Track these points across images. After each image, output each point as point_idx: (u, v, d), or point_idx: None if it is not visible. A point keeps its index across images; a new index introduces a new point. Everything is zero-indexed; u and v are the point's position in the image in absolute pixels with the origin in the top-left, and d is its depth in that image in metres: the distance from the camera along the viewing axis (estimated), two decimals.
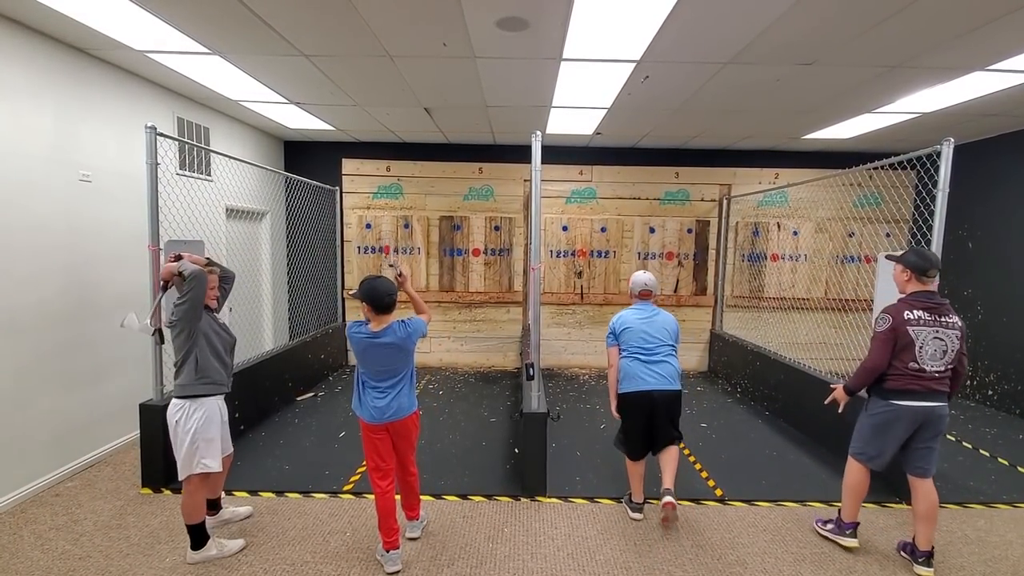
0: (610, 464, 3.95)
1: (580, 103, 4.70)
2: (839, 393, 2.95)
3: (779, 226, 6.71)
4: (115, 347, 3.99)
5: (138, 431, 3.48)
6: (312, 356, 5.91)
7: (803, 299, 6.66)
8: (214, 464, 2.66)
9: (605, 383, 6.23)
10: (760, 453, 4.25)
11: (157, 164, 3.35)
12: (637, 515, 3.24)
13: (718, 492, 3.56)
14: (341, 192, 6.71)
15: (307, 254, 6.56)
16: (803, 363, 5.01)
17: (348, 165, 6.73)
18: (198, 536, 2.71)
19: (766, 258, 6.73)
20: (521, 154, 6.66)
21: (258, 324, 6.14)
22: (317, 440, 4.35)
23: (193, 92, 4.61)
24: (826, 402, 3.01)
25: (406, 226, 6.71)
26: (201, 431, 2.62)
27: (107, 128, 3.89)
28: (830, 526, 3.01)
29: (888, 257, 3.11)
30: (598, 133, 5.88)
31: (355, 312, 6.86)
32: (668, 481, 3.07)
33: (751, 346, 5.84)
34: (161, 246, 3.42)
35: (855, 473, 2.88)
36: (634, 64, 3.65)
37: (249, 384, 4.48)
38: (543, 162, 6.72)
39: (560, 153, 6.56)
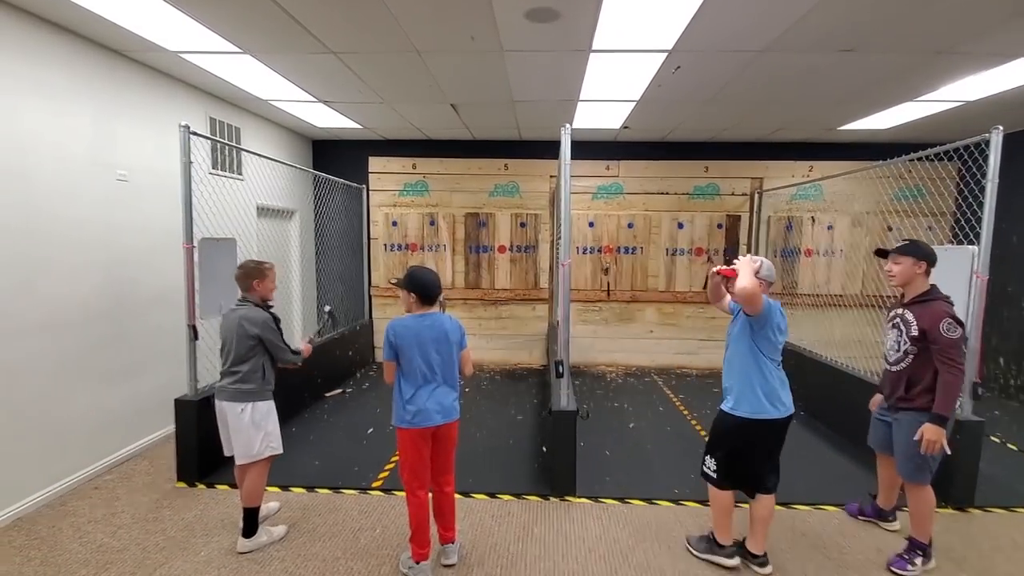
0: (640, 464, 3.88)
1: (608, 96, 4.61)
2: (934, 431, 2.46)
3: (813, 220, 6.50)
4: (150, 343, 4.08)
5: (173, 426, 3.54)
6: (340, 352, 5.97)
7: (838, 296, 6.45)
8: (279, 447, 2.86)
9: (633, 381, 6.15)
10: (796, 454, 4.12)
11: (191, 163, 3.40)
12: (732, 561, 2.67)
13: None
14: (368, 190, 6.75)
15: (335, 252, 6.63)
16: (841, 362, 4.84)
17: (375, 163, 6.76)
18: (253, 522, 2.79)
19: (800, 253, 6.53)
20: (547, 150, 6.60)
21: (288, 321, 6.22)
22: (346, 437, 4.38)
23: (225, 92, 4.68)
24: (924, 450, 2.49)
25: (432, 223, 6.72)
26: (267, 421, 2.81)
27: (143, 128, 3.98)
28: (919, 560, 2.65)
29: (893, 251, 2.75)
30: (625, 127, 5.79)
31: (384, 309, 6.92)
32: (760, 541, 2.69)
33: (786, 345, 5.65)
34: (195, 244, 3.48)
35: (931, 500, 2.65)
36: (665, 54, 3.56)
37: (279, 381, 4.49)
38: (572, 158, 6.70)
39: (586, 148, 6.48)
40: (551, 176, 6.66)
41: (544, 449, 4.06)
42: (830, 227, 6.49)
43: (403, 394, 2.53)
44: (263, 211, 5.68)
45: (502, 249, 6.73)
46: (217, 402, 2.81)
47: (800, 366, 5.23)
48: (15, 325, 3.06)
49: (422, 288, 2.51)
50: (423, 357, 2.48)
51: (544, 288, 6.77)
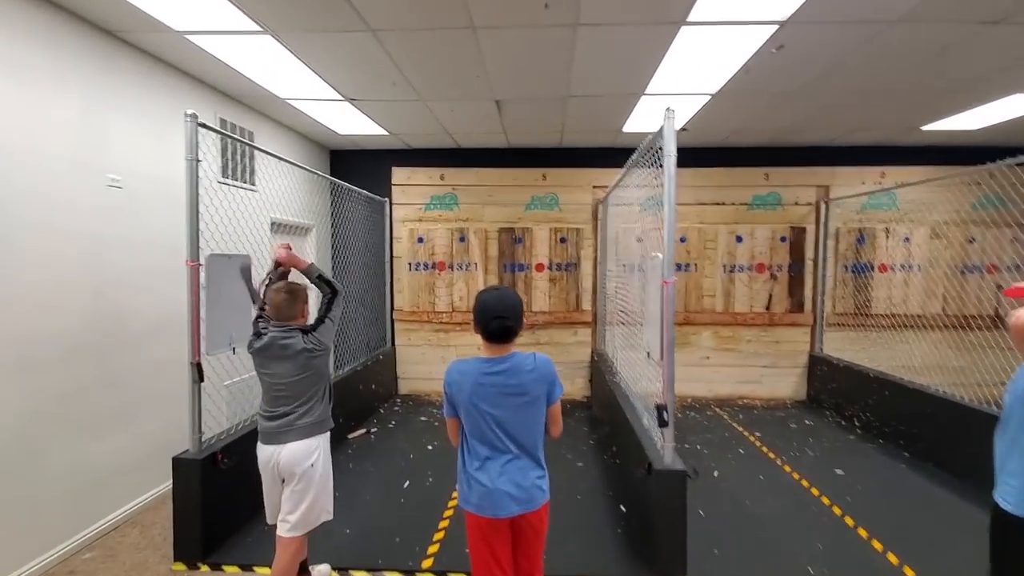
0: (750, 529, 3.14)
1: (680, 88, 3.99)
2: None
3: (887, 232, 5.84)
4: (145, 383, 3.38)
5: (170, 483, 2.83)
6: (363, 387, 5.25)
7: (917, 316, 5.74)
8: (331, 511, 2.42)
9: (694, 415, 5.41)
10: (931, 510, 3.38)
11: (198, 161, 2.75)
12: None
13: (909, 573, 2.71)
14: (391, 204, 6.12)
15: (355, 272, 5.96)
16: (953, 393, 4.12)
17: (398, 174, 6.14)
18: None
19: (873, 269, 5.85)
20: (589, 158, 5.98)
21: None
22: (379, 493, 3.64)
23: (237, 89, 4.07)
24: None
25: (462, 239, 6.06)
26: (330, 474, 2.42)
27: (141, 127, 3.35)
28: None
29: None
30: (684, 129, 5.16)
31: (409, 335, 6.22)
32: None
33: (874, 372, 4.95)
34: (201, 261, 2.81)
35: None
36: (776, 27, 2.94)
37: None
38: (613, 166, 6.08)
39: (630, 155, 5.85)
40: (594, 186, 6.03)
41: (623, 509, 3.33)
42: (906, 239, 5.82)
43: (466, 466, 1.88)
44: (277, 227, 5.04)
45: (540, 267, 6.06)
46: (268, 448, 2.29)
47: (898, 397, 4.50)
48: None
49: (483, 321, 1.81)
50: (490, 418, 1.80)
51: (587, 310, 6.08)
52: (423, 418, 5.38)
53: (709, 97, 4.17)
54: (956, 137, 5.37)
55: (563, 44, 3.19)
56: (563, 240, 6.03)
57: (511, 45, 3.22)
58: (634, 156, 3.54)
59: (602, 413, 4.92)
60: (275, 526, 2.34)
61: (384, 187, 6.09)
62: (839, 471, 4.00)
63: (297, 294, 2.37)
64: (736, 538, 3.04)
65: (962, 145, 5.64)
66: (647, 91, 4.03)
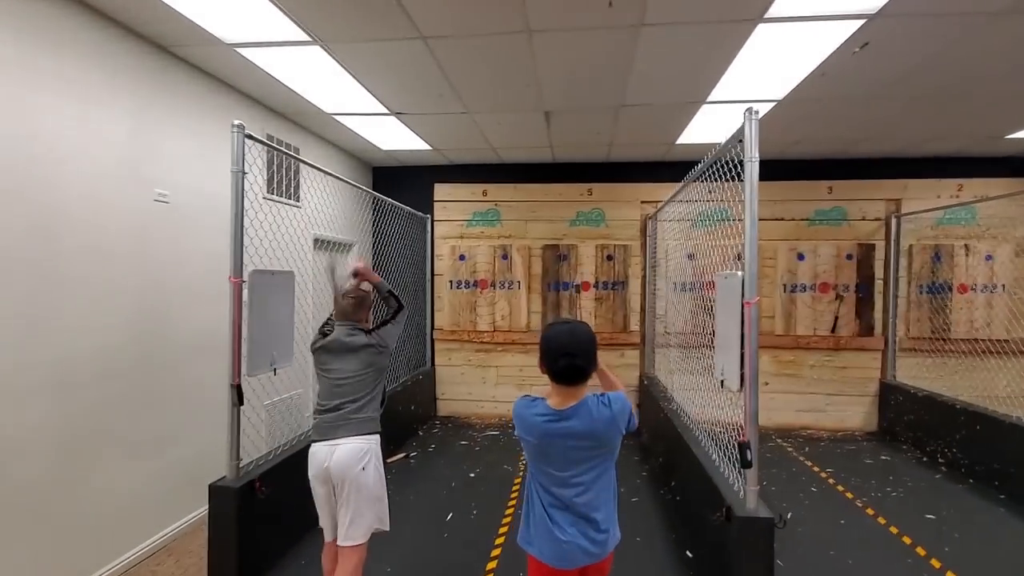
0: None
1: (745, 95, 3.73)
2: None
3: (967, 249, 5.35)
4: (186, 404, 3.28)
5: (206, 507, 2.67)
6: (402, 408, 5.07)
7: (1002, 341, 5.22)
8: (387, 522, 2.40)
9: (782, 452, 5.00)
10: None
11: (244, 173, 2.64)
12: None
13: None
14: (432, 220, 6.00)
15: (395, 290, 5.83)
16: None
17: (440, 191, 6.03)
18: None
19: (951, 289, 5.36)
20: (637, 173, 5.74)
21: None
22: (420, 526, 3.41)
23: (284, 104, 4.02)
24: None
25: (504, 257, 5.88)
26: (382, 481, 2.39)
27: (189, 142, 3.30)
28: None
29: None
30: (740, 140, 4.86)
31: (449, 355, 6.03)
32: None
33: (961, 404, 4.47)
34: (245, 278, 2.68)
35: None
36: (862, 21, 2.66)
37: None
38: (662, 181, 5.82)
39: (685, 169, 5.58)
40: (642, 202, 5.77)
41: (689, 555, 3.01)
42: (989, 257, 5.32)
43: (531, 509, 1.70)
44: (319, 243, 4.96)
45: (586, 286, 5.80)
46: (321, 447, 2.30)
47: (993, 433, 4.02)
48: (12, 385, 2.29)
49: (550, 359, 1.65)
50: (560, 473, 1.63)
51: (635, 331, 5.78)
52: (463, 442, 5.16)
53: (774, 104, 3.89)
54: None
55: (623, 48, 2.99)
56: (610, 258, 5.77)
57: (567, 50, 3.03)
58: (700, 166, 3.28)
59: (655, 442, 4.58)
60: (328, 545, 2.36)
61: (425, 204, 5.98)
62: (929, 516, 3.56)
63: (363, 300, 2.53)
64: None
65: None
66: (709, 99, 3.78)
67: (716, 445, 3.16)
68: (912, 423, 5.01)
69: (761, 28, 2.74)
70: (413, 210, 5.65)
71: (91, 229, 2.64)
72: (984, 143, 4.93)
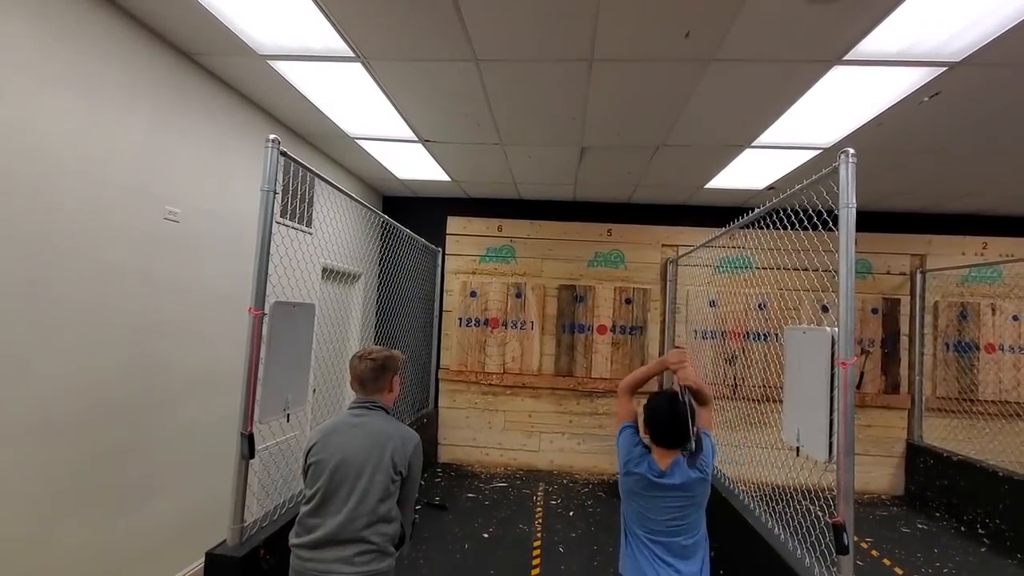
0: None
1: (792, 140, 3.60)
2: None
3: (993, 308, 5.25)
4: (177, 447, 2.88)
5: (196, 566, 2.27)
6: None
7: None
8: None
9: (783, 508, 4.69)
10: None
11: (276, 194, 2.36)
12: None
13: None
14: (443, 254, 5.74)
15: (401, 325, 5.50)
16: None
17: (454, 224, 5.80)
18: None
19: (979, 348, 5.23)
20: (657, 214, 5.60)
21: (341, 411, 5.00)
22: None
23: (306, 124, 3.78)
24: None
25: (518, 295, 5.61)
26: None
27: (205, 158, 3.02)
28: None
29: None
30: (771, 188, 4.77)
31: (454, 396, 5.67)
32: None
33: (1002, 471, 4.24)
34: (265, 310, 2.36)
35: None
36: (943, 69, 2.54)
37: None
38: (685, 224, 5.68)
39: (708, 214, 5.46)
40: (663, 245, 5.60)
41: None
42: (1015, 318, 5.22)
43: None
44: (327, 273, 4.65)
45: (602, 329, 5.55)
46: None
47: None
48: None
49: (654, 425, 1.92)
50: (655, 524, 1.86)
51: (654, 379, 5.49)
52: (470, 494, 4.75)
53: (819, 152, 3.77)
54: None
55: (684, 83, 2.83)
56: (628, 301, 5.54)
57: (624, 83, 2.87)
58: (761, 210, 3.10)
59: None
60: None
61: (436, 237, 5.73)
62: None
63: (389, 360, 1.97)
64: None
65: None
66: (755, 143, 3.64)
67: (772, 513, 2.87)
68: (945, 489, 4.76)
69: (836, 70, 2.61)
70: (427, 242, 5.38)
71: (91, 247, 2.31)
72: (1013, 201, 4.89)
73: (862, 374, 5.32)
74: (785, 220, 3.00)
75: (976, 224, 5.33)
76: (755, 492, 3.44)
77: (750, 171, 4.34)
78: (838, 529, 2.02)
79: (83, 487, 2.33)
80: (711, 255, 5.63)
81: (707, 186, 4.80)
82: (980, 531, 4.31)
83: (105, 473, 2.44)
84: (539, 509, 4.47)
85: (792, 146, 3.72)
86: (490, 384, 5.62)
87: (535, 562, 3.50)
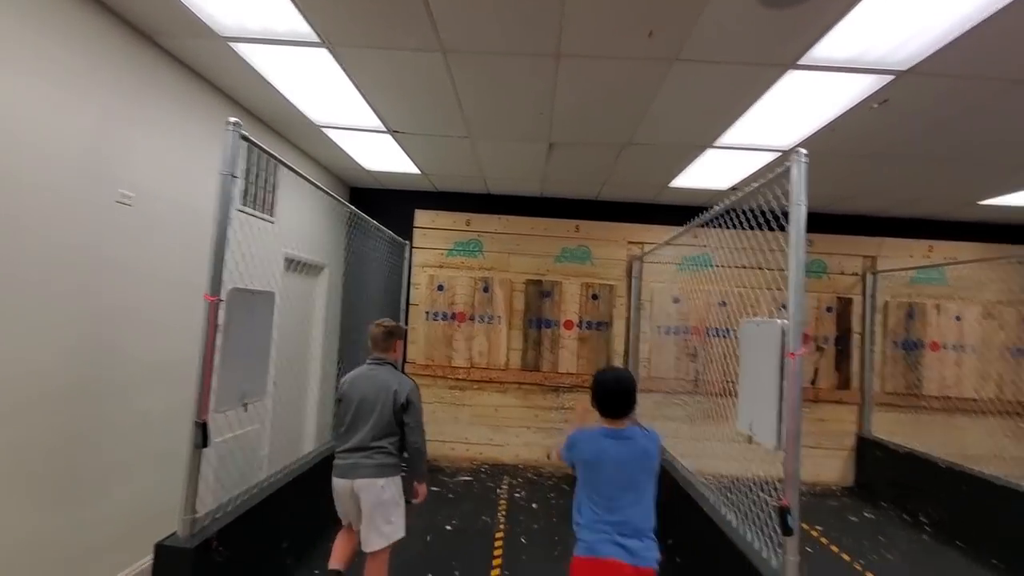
0: None
1: (752, 141, 3.71)
2: None
3: (938, 308, 5.53)
4: (129, 439, 2.79)
5: (145, 561, 2.21)
6: None
7: (970, 400, 5.38)
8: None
9: (737, 498, 4.84)
10: None
11: (235, 178, 2.31)
12: None
13: None
14: (411, 247, 5.70)
15: (367, 317, 5.45)
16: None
17: (421, 217, 5.77)
18: None
19: (924, 346, 5.49)
20: (624, 212, 5.69)
21: (301, 414, 4.93)
22: None
23: (270, 111, 3.71)
24: None
25: (485, 290, 5.62)
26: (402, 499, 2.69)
27: (161, 141, 2.92)
28: None
29: None
30: (734, 188, 4.90)
31: (421, 391, 5.62)
32: None
33: (944, 463, 4.48)
34: (222, 296, 2.31)
35: None
36: (891, 77, 2.67)
37: (284, 508, 3.03)
38: (651, 222, 5.78)
39: (673, 213, 5.57)
40: (629, 242, 5.70)
41: None
42: (957, 318, 5.51)
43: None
44: (290, 264, 4.56)
45: (569, 325, 5.61)
46: (342, 481, 2.58)
47: (982, 497, 4.01)
48: None
49: (602, 394, 2.11)
50: (608, 488, 2.06)
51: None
52: (434, 487, 4.74)
53: (778, 155, 3.90)
54: (1011, 214, 5.17)
55: (652, 81, 2.88)
56: (595, 297, 5.62)
57: (591, 80, 2.91)
58: (719, 208, 3.18)
59: None
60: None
61: (404, 229, 5.68)
62: None
63: (392, 329, 2.77)
64: None
65: (1011, 223, 5.45)
66: (717, 143, 3.74)
67: (728, 502, 2.96)
68: (892, 480, 5.00)
69: (790, 75, 2.70)
70: (395, 235, 5.34)
71: (40, 227, 2.22)
72: (958, 208, 5.15)
73: (816, 370, 5.53)
74: (744, 220, 3.08)
75: (923, 228, 5.60)
76: (713, 483, 3.54)
77: (713, 171, 4.45)
78: (783, 512, 2.11)
79: (27, 478, 2.23)
80: (675, 253, 5.76)
81: (672, 185, 4.91)
82: (923, 520, 4.54)
83: (51, 464, 2.34)
84: (503, 502, 4.50)
85: (753, 148, 3.83)
86: (457, 378, 5.62)
87: (496, 552, 3.52)
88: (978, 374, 5.45)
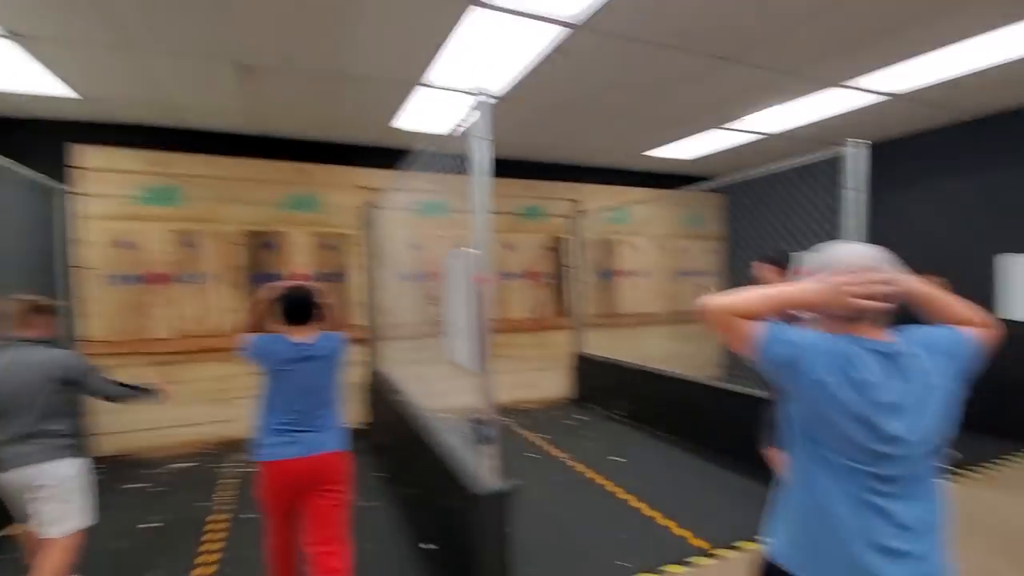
0: (555, 539, 3.00)
1: (457, 84, 3.77)
2: None
3: (624, 243, 6.73)
4: None
5: None
6: None
7: (652, 314, 6.79)
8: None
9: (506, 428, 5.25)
10: (699, 483, 3.79)
11: None
12: None
13: (700, 543, 2.91)
14: (70, 195, 4.41)
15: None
16: (689, 374, 4.86)
17: (93, 156, 4.48)
18: None
19: (617, 274, 6.66)
20: (355, 155, 5.38)
21: None
22: None
23: None
24: None
25: (189, 245, 4.74)
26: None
27: None
28: None
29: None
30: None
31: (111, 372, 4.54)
32: None
33: (627, 364, 5.54)
34: None
35: None
36: (567, 30, 2.92)
37: None
38: (381, 166, 5.58)
39: (402, 156, 5.46)
40: (359, 187, 5.42)
41: (431, 547, 2.86)
42: (638, 249, 6.80)
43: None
44: None
45: (300, 278, 5.13)
46: (8, 476, 2.18)
47: (648, 385, 5.10)
48: None
49: (290, 304, 2.31)
50: (294, 392, 2.28)
51: (358, 326, 5.39)
52: (136, 485, 3.95)
53: (494, 101, 4.05)
54: (672, 165, 6.50)
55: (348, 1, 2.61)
56: (329, 247, 5.25)
57: None
58: (423, 150, 3.14)
59: (388, 440, 4.33)
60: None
61: (56, 170, 4.34)
62: (617, 458, 4.27)
63: (30, 304, 2.36)
64: (546, 548, 2.87)
65: (677, 173, 6.90)
66: (425, 80, 3.69)
67: (456, 433, 3.09)
68: (599, 386, 6.01)
69: (472, 10, 2.74)
70: (38, 175, 4.02)
71: None
72: (632, 158, 6.23)
73: (541, 302, 6.23)
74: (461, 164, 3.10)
75: (613, 175, 6.67)
76: (446, 418, 3.66)
77: (431, 113, 4.44)
78: (477, 424, 2.25)
79: None
80: (409, 199, 5.68)
81: (393, 125, 4.76)
82: (622, 414, 5.57)
83: None
84: (229, 482, 3.99)
85: (462, 91, 3.90)
86: (163, 352, 4.69)
87: (219, 538, 3.09)
88: (654, 293, 6.87)
